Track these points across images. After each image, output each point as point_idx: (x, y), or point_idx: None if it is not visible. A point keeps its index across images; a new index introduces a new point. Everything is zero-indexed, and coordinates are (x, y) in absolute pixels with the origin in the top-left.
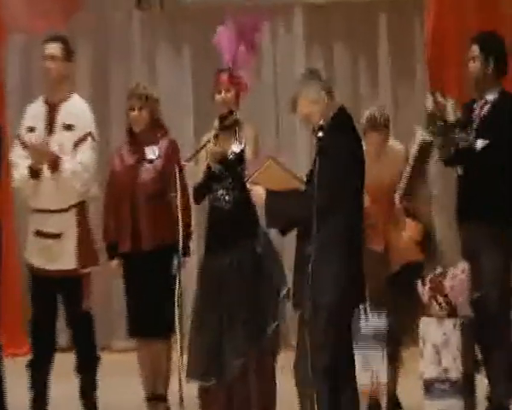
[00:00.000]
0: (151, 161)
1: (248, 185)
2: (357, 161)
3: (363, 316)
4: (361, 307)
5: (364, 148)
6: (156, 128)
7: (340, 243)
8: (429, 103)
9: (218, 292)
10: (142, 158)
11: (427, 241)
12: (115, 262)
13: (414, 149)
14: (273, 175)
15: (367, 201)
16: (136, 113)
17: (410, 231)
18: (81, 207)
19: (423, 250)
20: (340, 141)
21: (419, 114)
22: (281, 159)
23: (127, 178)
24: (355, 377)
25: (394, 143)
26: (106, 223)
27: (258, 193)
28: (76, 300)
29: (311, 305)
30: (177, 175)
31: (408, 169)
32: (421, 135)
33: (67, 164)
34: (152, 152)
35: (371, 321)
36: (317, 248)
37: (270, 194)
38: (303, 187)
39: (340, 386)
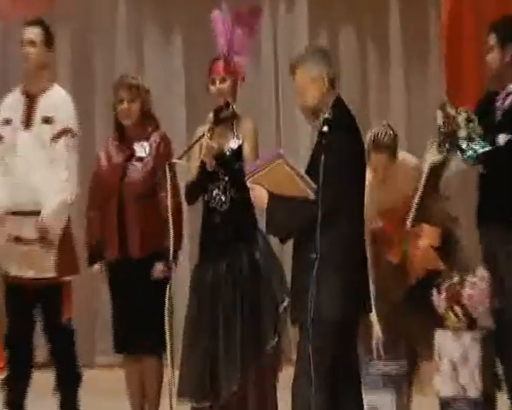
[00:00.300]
0: (141, 159)
1: (249, 184)
2: (362, 163)
3: (374, 358)
4: (373, 347)
5: (369, 171)
6: (147, 122)
7: (344, 249)
8: (439, 118)
9: (213, 303)
10: (131, 155)
11: (447, 246)
12: (97, 267)
13: (423, 175)
14: (281, 177)
15: (379, 222)
16: (125, 105)
17: (427, 237)
18: (61, 209)
19: (444, 257)
20: (346, 139)
21: (433, 104)
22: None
23: (114, 177)
24: (361, 399)
25: (406, 158)
26: (90, 226)
27: (259, 195)
28: (55, 311)
29: (313, 318)
30: (168, 173)
31: (418, 195)
32: (432, 156)
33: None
34: (142, 149)
35: (382, 364)
36: (321, 256)
37: (274, 198)
38: (312, 195)
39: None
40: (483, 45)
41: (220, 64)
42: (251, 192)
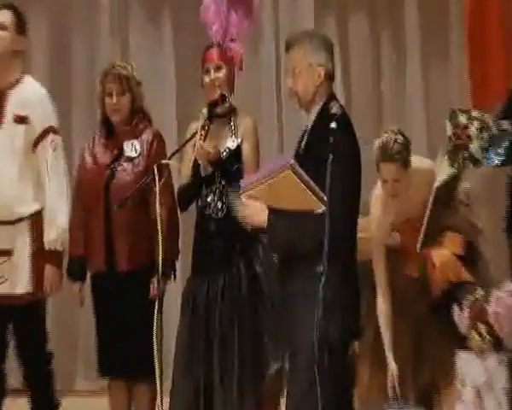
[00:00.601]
0: (130, 160)
1: (243, 199)
2: (360, 169)
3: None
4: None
5: (379, 183)
6: (138, 118)
7: (348, 259)
8: (448, 130)
9: (207, 324)
10: (119, 155)
11: (469, 257)
12: (77, 286)
13: (432, 194)
14: (286, 190)
15: (397, 237)
16: (114, 99)
17: (450, 245)
18: (36, 218)
19: (468, 266)
20: (353, 140)
21: (455, 101)
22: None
23: (100, 179)
24: None
25: (420, 163)
26: (72, 235)
27: (255, 212)
28: (30, 331)
29: (320, 340)
30: (156, 176)
31: (427, 216)
32: (444, 172)
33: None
34: (132, 148)
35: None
36: (329, 268)
37: (276, 215)
38: (320, 208)
39: None
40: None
41: (214, 51)
42: (243, 210)
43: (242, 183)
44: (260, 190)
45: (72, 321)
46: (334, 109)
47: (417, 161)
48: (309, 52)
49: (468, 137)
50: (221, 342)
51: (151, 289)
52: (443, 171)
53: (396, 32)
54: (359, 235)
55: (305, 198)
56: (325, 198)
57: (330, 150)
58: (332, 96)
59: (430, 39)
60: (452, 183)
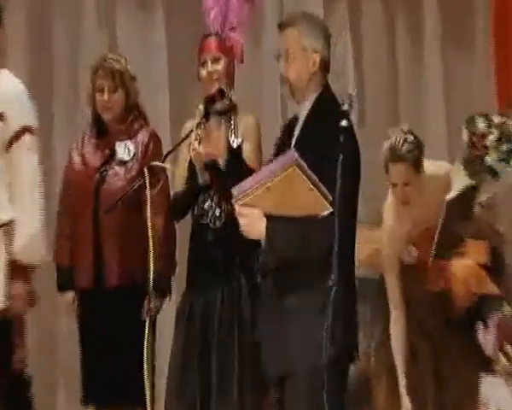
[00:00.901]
0: (123, 163)
1: (237, 207)
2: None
3: None
4: None
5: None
6: (132, 117)
7: (352, 269)
8: (465, 137)
9: (204, 343)
10: (111, 158)
11: (496, 263)
12: (70, 296)
13: (443, 205)
14: (289, 190)
15: (413, 251)
16: (105, 96)
17: (473, 253)
18: (11, 227)
19: (494, 277)
20: (356, 142)
21: (478, 94)
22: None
23: (89, 184)
24: None
25: (437, 169)
26: (59, 244)
27: (251, 221)
28: (5, 353)
29: (327, 365)
30: (147, 180)
31: (439, 226)
32: (459, 182)
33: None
34: (125, 150)
35: None
36: (339, 280)
37: (276, 222)
38: (326, 211)
39: None
40: None
41: (212, 40)
42: (239, 218)
43: (236, 190)
44: (257, 197)
45: (54, 341)
46: (346, 106)
47: (433, 165)
48: (304, 35)
49: (485, 147)
50: (219, 362)
51: (144, 307)
52: (459, 181)
53: (413, 16)
54: (375, 246)
55: (312, 199)
56: (330, 197)
57: (341, 150)
58: (327, 88)
59: (451, 24)
60: (470, 194)
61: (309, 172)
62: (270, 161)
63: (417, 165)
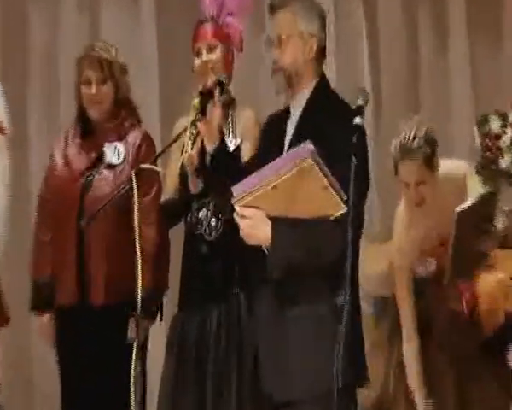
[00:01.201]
0: (112, 167)
1: (237, 208)
2: None
3: None
4: None
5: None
6: (123, 114)
7: (357, 290)
8: (477, 138)
9: (199, 369)
10: (98, 160)
11: None
12: (45, 319)
13: (454, 216)
14: (300, 188)
15: (432, 263)
16: (93, 89)
17: (503, 266)
18: None
19: None
20: (366, 141)
21: (508, 90)
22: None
23: (74, 190)
24: None
25: (455, 168)
26: (37, 258)
27: (254, 223)
28: None
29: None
30: (134, 184)
31: (451, 242)
32: (474, 190)
33: None
34: (114, 152)
35: None
36: (351, 296)
37: (282, 226)
38: (339, 212)
39: None
40: None
41: (208, 27)
42: (239, 221)
43: (236, 189)
44: (260, 197)
45: (29, 365)
46: (360, 100)
47: (451, 164)
48: (300, 17)
49: (499, 149)
50: (214, 392)
51: (129, 330)
52: (473, 189)
53: (436, 3)
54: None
55: (324, 199)
56: (344, 195)
57: (354, 150)
58: (324, 77)
59: (479, 11)
60: (486, 204)
61: (325, 168)
62: (258, 158)
63: (430, 162)
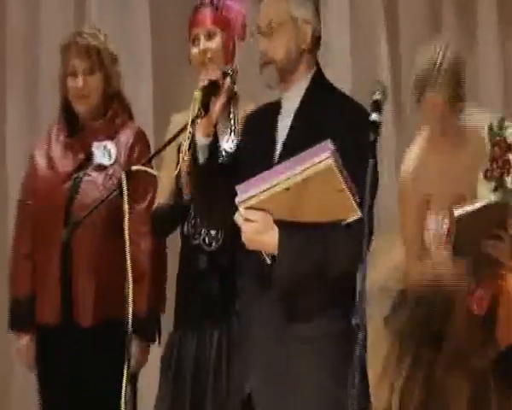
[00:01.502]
0: (102, 168)
1: (241, 210)
2: None
3: None
4: None
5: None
6: (114, 109)
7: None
8: (487, 145)
9: (196, 392)
10: (86, 161)
11: None
12: (26, 339)
13: (453, 222)
14: (315, 191)
15: (445, 225)
16: (79, 81)
17: None
18: None
19: None
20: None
21: None
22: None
23: (59, 195)
24: None
25: (478, 119)
26: (16, 272)
27: (260, 227)
28: None
29: None
30: (124, 187)
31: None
32: (483, 199)
33: None
34: (104, 152)
35: None
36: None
37: (292, 231)
38: (353, 217)
39: None
40: None
41: (206, 12)
42: (243, 224)
43: (240, 190)
44: (268, 199)
45: (8, 386)
46: (378, 94)
47: (478, 115)
48: (291, 2)
49: (507, 163)
50: None
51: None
52: (482, 195)
53: None
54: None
55: (339, 202)
56: (358, 199)
57: (370, 150)
58: (320, 69)
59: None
60: (494, 211)
61: (343, 168)
62: (242, 156)
63: (456, 95)
